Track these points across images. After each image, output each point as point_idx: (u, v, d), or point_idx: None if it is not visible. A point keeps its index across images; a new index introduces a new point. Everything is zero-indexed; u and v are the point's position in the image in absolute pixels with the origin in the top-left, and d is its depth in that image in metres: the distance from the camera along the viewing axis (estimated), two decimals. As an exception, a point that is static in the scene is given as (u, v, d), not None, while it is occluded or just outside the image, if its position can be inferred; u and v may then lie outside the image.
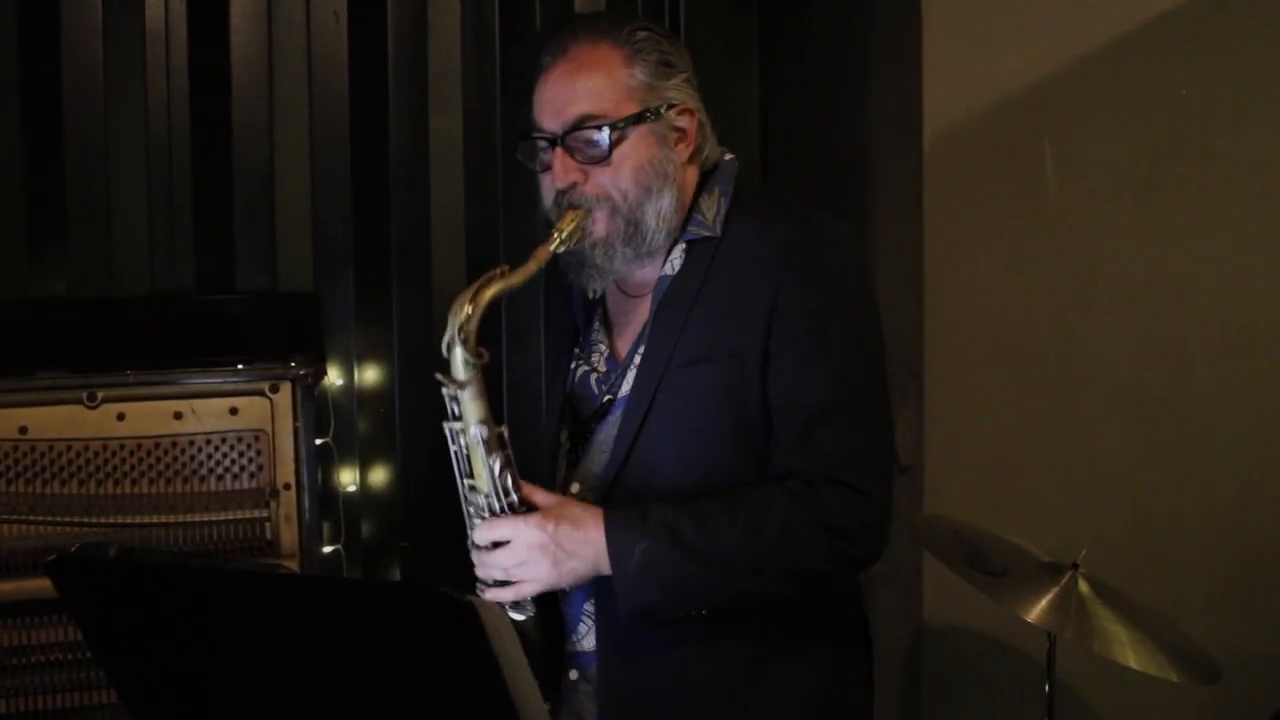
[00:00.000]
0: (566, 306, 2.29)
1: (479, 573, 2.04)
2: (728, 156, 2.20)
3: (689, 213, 2.14)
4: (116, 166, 3.44)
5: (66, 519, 2.88)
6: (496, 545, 2.00)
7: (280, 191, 3.56)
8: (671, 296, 2.11)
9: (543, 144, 2.10)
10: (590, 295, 2.20)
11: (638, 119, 2.07)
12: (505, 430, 2.03)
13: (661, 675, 2.10)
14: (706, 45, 3.80)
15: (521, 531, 1.99)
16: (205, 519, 2.95)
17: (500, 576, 2.02)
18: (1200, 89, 3.13)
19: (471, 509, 2.05)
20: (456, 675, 1.54)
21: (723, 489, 2.05)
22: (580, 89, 2.06)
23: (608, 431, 2.14)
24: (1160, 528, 3.21)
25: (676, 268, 2.12)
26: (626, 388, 2.13)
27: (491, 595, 2.03)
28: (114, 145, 3.44)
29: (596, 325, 2.24)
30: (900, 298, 3.33)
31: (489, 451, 2.00)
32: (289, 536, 2.99)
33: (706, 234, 2.12)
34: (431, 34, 3.62)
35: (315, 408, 3.08)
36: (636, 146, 2.07)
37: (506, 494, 2.01)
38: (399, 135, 3.63)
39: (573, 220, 2.05)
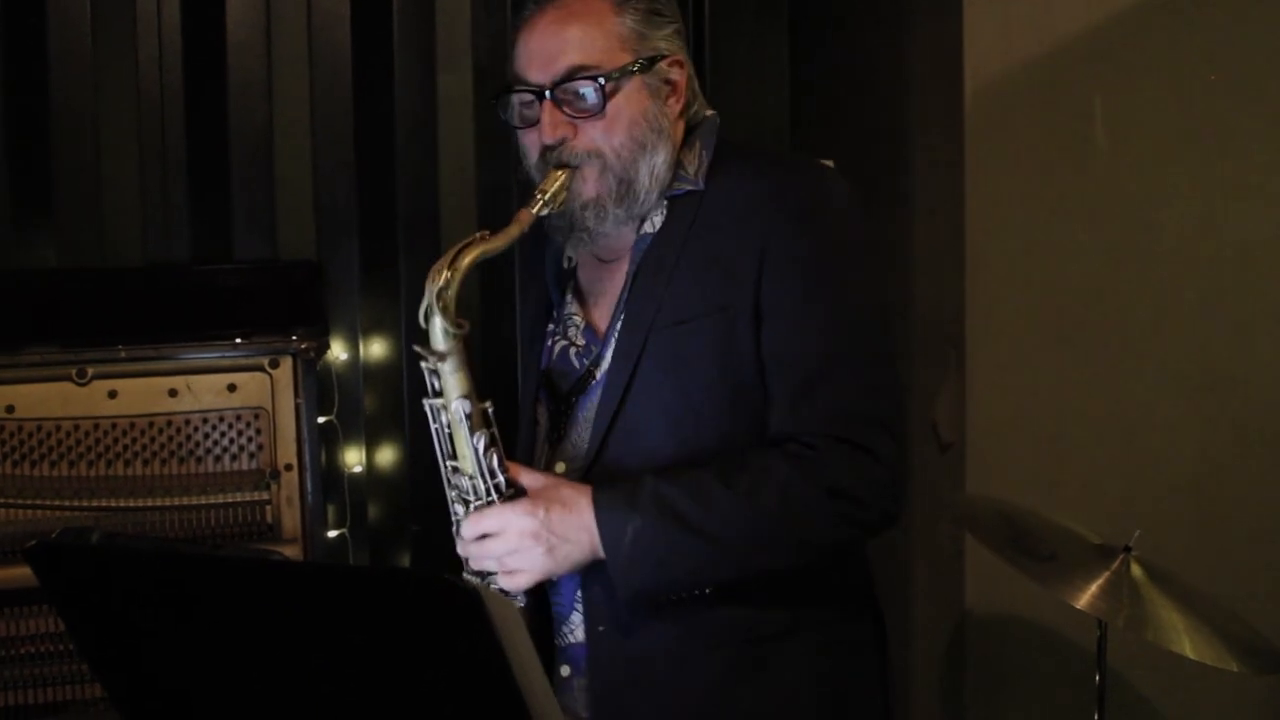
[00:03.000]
0: (538, 280, 2.27)
1: (470, 565, 2.03)
2: (709, 112, 2.18)
3: None
4: (106, 129, 3.43)
5: (56, 502, 2.88)
6: (485, 536, 1.99)
7: (280, 155, 3.54)
8: (653, 255, 2.09)
9: (526, 98, 2.08)
10: (565, 264, 2.19)
11: (631, 70, 2.05)
12: (490, 406, 2.01)
13: (656, 666, 2.07)
14: (734, 3, 3.76)
15: (511, 520, 1.97)
16: (202, 502, 2.95)
17: (493, 568, 2.00)
18: (1265, 37, 3.09)
19: (454, 492, 2.03)
20: (462, 666, 1.53)
21: (717, 458, 2.02)
22: (570, 39, 2.04)
23: (590, 405, 2.11)
24: (1219, 508, 3.18)
25: (658, 225, 2.10)
26: (609, 359, 2.11)
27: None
28: (103, 106, 3.42)
29: (569, 298, 2.21)
30: (941, 265, 3.30)
31: (472, 430, 1.98)
32: (291, 520, 2.99)
33: (689, 188, 2.11)
34: (439, -15, 3.60)
35: (318, 384, 3.08)
36: (630, 99, 2.05)
37: (492, 475, 1.99)
38: (405, 94, 3.61)
39: (558, 180, 2.02)
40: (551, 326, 2.22)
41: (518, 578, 1.99)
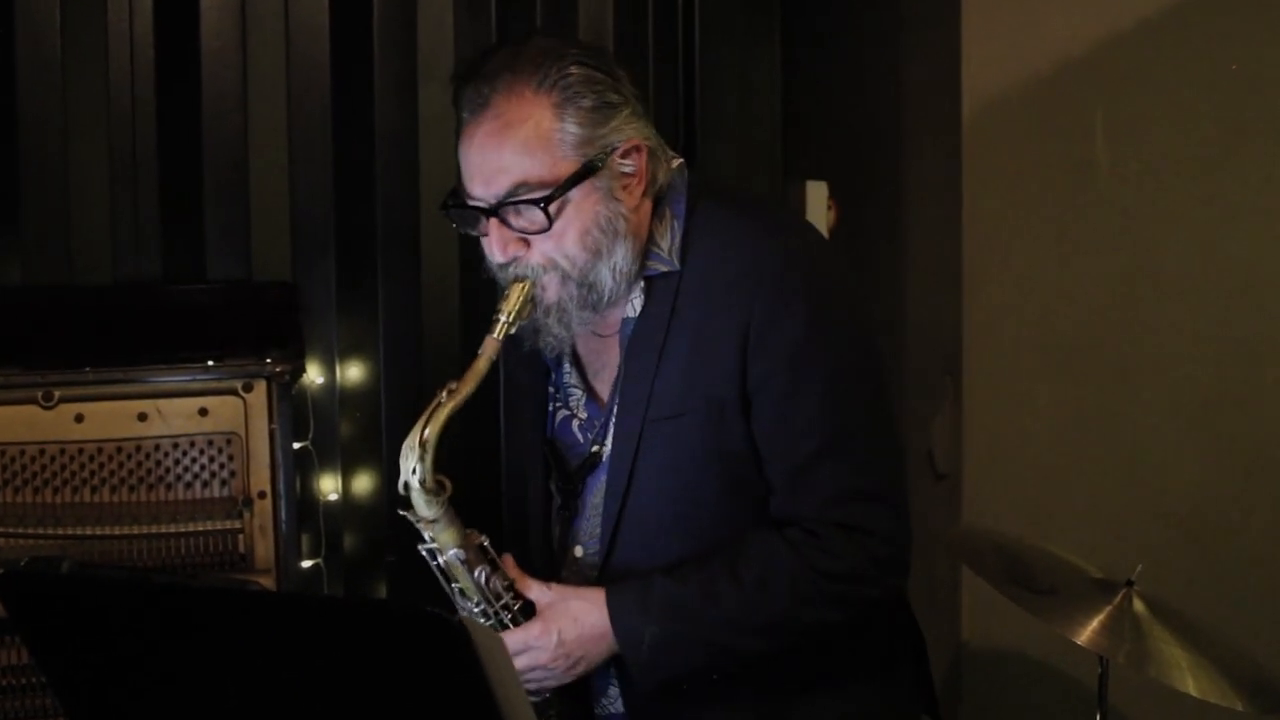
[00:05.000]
0: (532, 349, 2.22)
1: None
2: (675, 163, 2.15)
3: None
4: (75, 143, 3.42)
5: (19, 530, 2.87)
6: None
7: (255, 171, 3.53)
8: (637, 343, 2.11)
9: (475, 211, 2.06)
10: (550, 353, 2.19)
11: (577, 179, 2.01)
12: (485, 540, 2.08)
13: None
14: (723, 17, 3.78)
15: (526, 646, 2.04)
16: (172, 530, 2.94)
17: None
18: (1267, 56, 3.11)
19: (464, 612, 2.09)
20: (447, 700, 1.53)
21: (722, 533, 2.09)
22: (508, 154, 2.00)
23: (598, 489, 2.17)
24: (1223, 542, 3.19)
25: (638, 309, 2.11)
26: (611, 442, 2.15)
27: None
28: (72, 119, 3.42)
29: (567, 367, 2.24)
30: (937, 290, 3.32)
31: (471, 568, 2.05)
32: (264, 549, 2.98)
33: (665, 269, 2.10)
34: (420, -4, 3.61)
35: (293, 408, 3.07)
36: (580, 209, 2.02)
37: (498, 598, 2.07)
38: (385, 108, 3.61)
39: (519, 294, 2.02)
40: (551, 390, 2.25)
41: (541, 685, 2.08)
